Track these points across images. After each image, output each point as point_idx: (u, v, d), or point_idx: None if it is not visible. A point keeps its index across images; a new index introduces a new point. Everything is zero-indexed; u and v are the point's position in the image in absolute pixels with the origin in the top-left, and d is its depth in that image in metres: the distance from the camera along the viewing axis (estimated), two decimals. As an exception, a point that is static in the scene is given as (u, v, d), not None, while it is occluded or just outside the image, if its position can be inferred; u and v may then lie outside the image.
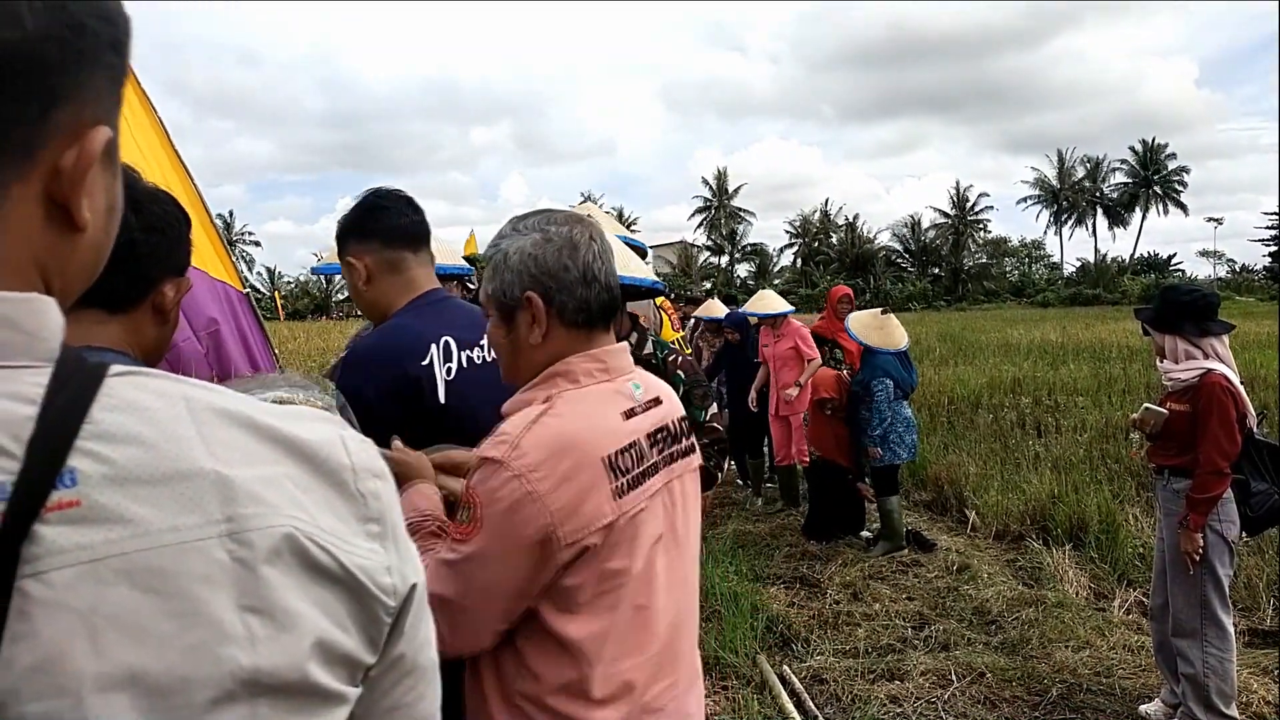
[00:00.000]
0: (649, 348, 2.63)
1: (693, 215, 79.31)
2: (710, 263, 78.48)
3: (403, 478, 1.47)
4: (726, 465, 2.63)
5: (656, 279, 3.01)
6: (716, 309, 8.77)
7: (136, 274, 1.13)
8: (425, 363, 1.78)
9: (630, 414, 1.38)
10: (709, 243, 78.55)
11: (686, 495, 1.49)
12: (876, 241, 76.04)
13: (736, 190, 79.20)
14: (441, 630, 1.20)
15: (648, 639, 1.35)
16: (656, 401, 1.46)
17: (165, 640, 0.49)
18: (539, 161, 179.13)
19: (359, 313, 1.95)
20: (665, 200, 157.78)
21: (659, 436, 1.42)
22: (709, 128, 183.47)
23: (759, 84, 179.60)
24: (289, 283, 76.15)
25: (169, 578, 0.49)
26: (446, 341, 1.82)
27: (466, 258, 4.89)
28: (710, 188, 79.14)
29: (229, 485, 0.53)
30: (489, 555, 1.23)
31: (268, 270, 78.75)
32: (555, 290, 1.35)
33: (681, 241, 78.82)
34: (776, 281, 73.23)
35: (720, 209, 78.21)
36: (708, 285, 72.52)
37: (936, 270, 72.61)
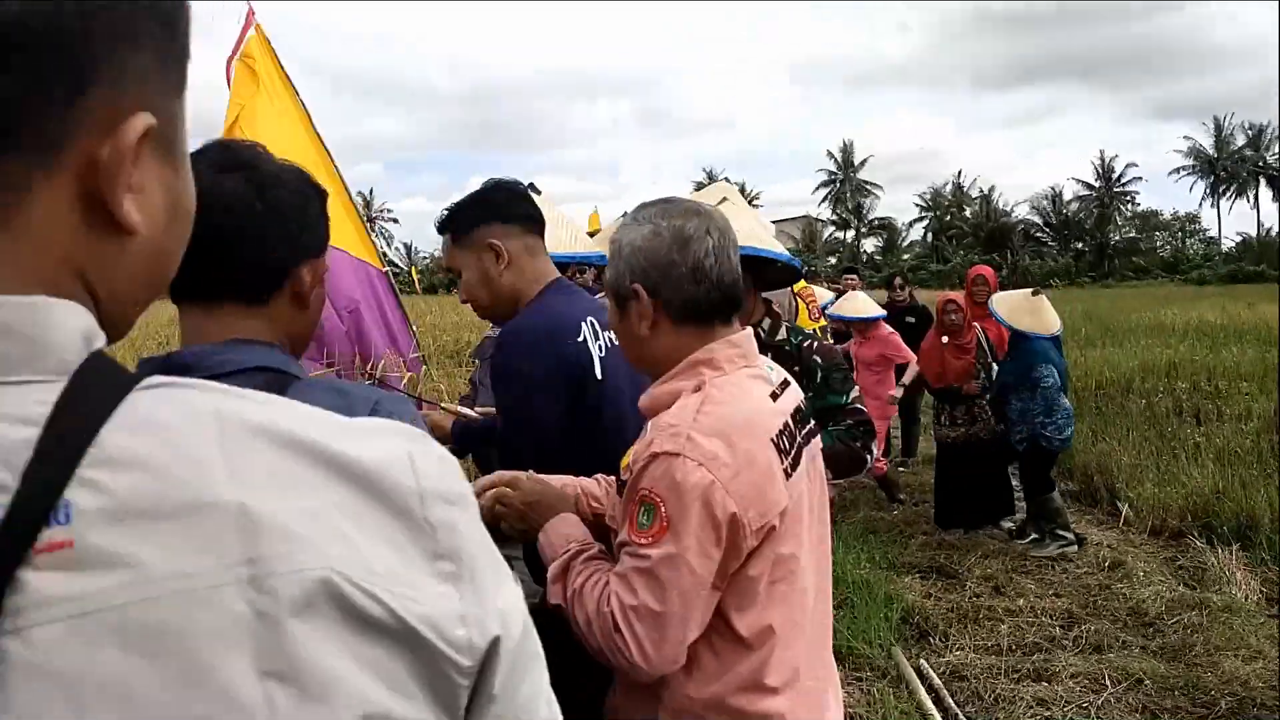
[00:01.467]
0: (782, 333, 2.52)
1: (817, 189, 77.80)
2: (835, 237, 76.87)
3: (544, 508, 1.46)
4: (876, 449, 2.49)
5: (792, 257, 2.87)
6: (862, 305, 8.26)
7: (269, 262, 1.08)
8: (580, 339, 1.77)
9: (775, 396, 1.36)
10: (834, 217, 76.90)
11: (820, 473, 1.48)
12: (1014, 215, 72.63)
13: (863, 163, 77.16)
14: (645, 649, 1.20)
15: (804, 621, 1.34)
16: (787, 383, 1.45)
17: (164, 714, 0.40)
18: (661, 136, 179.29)
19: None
20: (789, 174, 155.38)
21: (798, 416, 1.40)
22: (834, 99, 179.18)
23: (887, 53, 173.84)
24: (425, 258, 78.76)
25: (171, 636, 0.41)
26: (591, 320, 1.82)
27: (591, 234, 4.85)
28: (835, 160, 77.37)
29: (254, 519, 0.43)
30: (683, 554, 1.20)
31: (405, 246, 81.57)
32: (661, 285, 1.32)
33: (805, 216, 77.46)
34: (906, 256, 71.07)
35: (846, 182, 76.36)
36: (833, 260, 71.18)
37: (1080, 245, 68.75)
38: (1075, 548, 5.44)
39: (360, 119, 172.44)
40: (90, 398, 0.44)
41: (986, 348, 6.00)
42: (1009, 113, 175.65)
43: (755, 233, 2.55)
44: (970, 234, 69.50)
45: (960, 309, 5.92)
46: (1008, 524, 5.95)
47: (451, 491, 0.50)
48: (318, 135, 4.53)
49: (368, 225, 5.27)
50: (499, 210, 1.88)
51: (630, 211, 1.39)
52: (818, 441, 1.49)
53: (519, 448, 1.71)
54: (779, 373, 1.46)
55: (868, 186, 77.12)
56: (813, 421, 1.49)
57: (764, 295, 3.13)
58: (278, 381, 1.00)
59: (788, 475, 1.28)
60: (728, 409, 1.26)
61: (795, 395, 1.44)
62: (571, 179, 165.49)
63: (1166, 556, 5.37)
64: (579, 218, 6.38)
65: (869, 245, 76.70)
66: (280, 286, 1.10)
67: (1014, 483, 6.08)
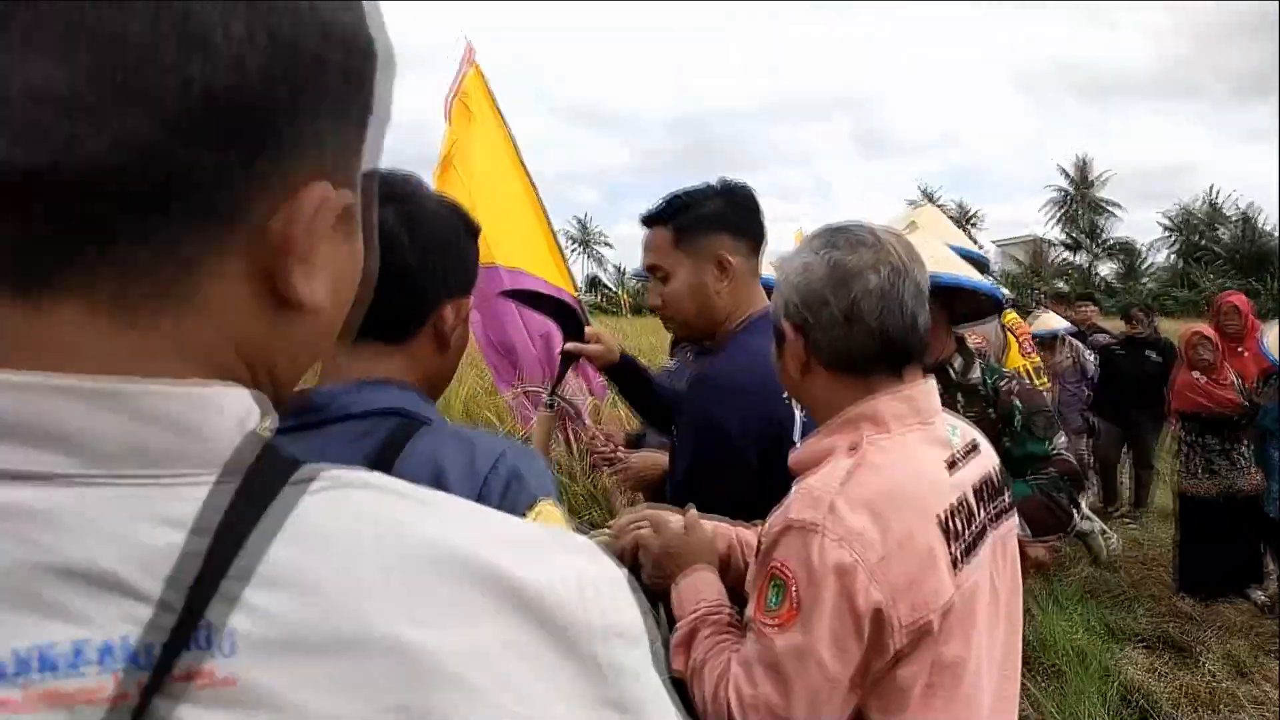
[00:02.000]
0: (976, 373, 2.28)
1: (1044, 207, 72.88)
2: (1066, 260, 71.73)
3: (682, 558, 1.32)
4: (1084, 504, 2.20)
5: (993, 284, 2.61)
6: (1053, 322, 7.65)
7: (413, 299, 1.05)
8: (787, 397, 1.57)
9: (952, 464, 1.17)
10: (1065, 238, 71.82)
11: (1012, 561, 1.26)
12: (1278, 237, 64.87)
13: (1100, 179, 71.58)
14: None
15: None
16: (975, 448, 1.25)
17: None
18: (876, 155, 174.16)
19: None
20: (1015, 192, 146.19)
21: (985, 491, 1.21)
22: (1067, 111, 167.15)
23: (1130, 60, 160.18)
24: (634, 280, 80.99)
25: None
26: None
27: None
28: (1068, 177, 72.21)
29: (413, 659, 0.38)
30: (813, 646, 1.04)
31: (616, 269, 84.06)
32: (812, 325, 1.17)
33: (1033, 238, 72.81)
34: (1145, 281, 65.16)
35: (1079, 200, 71.13)
36: (1062, 285, 66.56)
37: (1361, 270, 60.39)
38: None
39: (582, 147, 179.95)
40: (256, 502, 0.40)
41: (1240, 390, 5.30)
42: (1271, 125, 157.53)
43: (946, 259, 2.38)
44: (1225, 257, 62.67)
45: (1212, 344, 5.27)
46: (1258, 595, 5.20)
47: (624, 623, 0.45)
48: (524, 168, 4.73)
49: (569, 253, 5.44)
50: (735, 220, 1.73)
51: (810, 233, 1.27)
52: (1012, 521, 1.30)
53: (691, 494, 1.57)
54: (966, 433, 1.27)
55: (1105, 205, 71.41)
56: (1007, 495, 1.29)
57: (969, 328, 2.90)
58: (406, 427, 0.98)
59: (957, 564, 1.10)
60: (885, 477, 1.09)
61: (984, 463, 1.25)
62: (777, 199, 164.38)
63: None
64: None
65: (1105, 269, 70.96)
66: (422, 325, 1.07)
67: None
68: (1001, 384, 2.23)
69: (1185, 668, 4.39)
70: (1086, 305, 8.03)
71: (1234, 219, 66.68)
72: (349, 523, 0.41)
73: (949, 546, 1.09)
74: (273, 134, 0.41)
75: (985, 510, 1.19)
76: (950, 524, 1.10)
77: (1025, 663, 4.54)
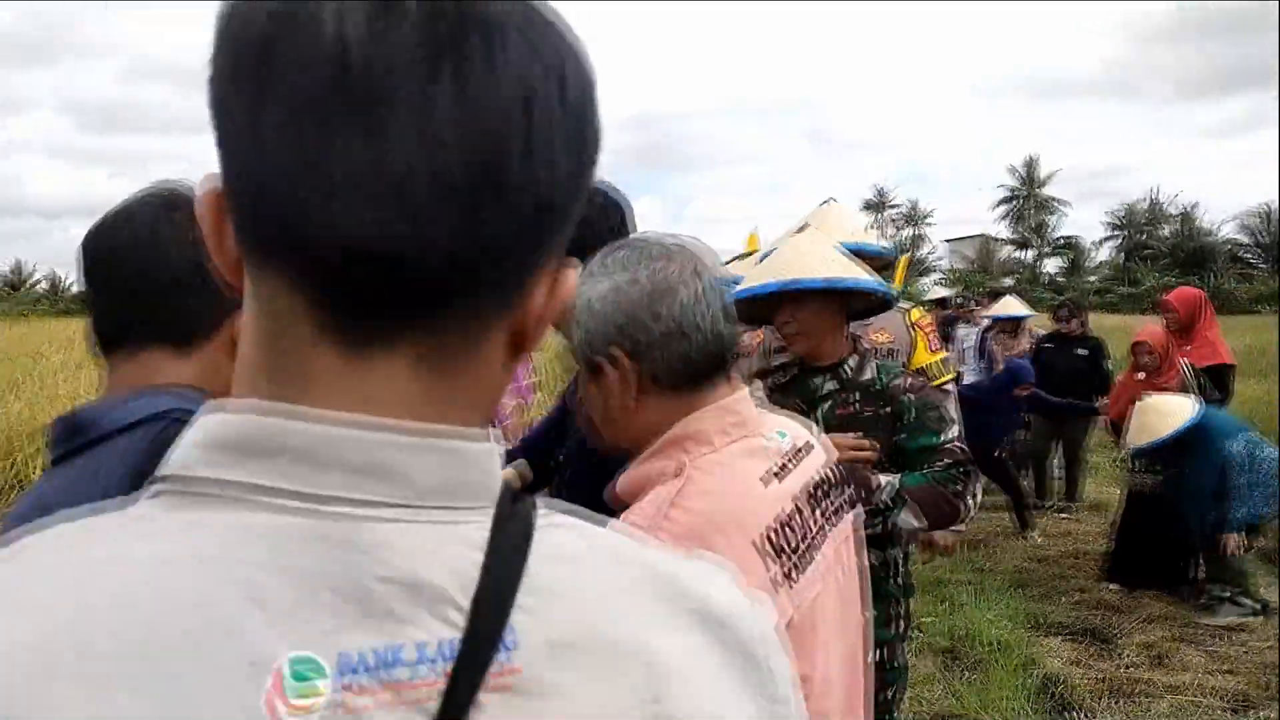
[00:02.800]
0: (869, 372, 2.30)
1: (996, 205, 74.12)
2: (1014, 258, 73.01)
3: None
4: (978, 492, 2.20)
5: (879, 283, 2.63)
6: (1014, 306, 8.08)
7: (202, 300, 0.98)
8: None
9: (782, 471, 1.14)
10: (1013, 236, 73.09)
11: (855, 560, 1.25)
12: (1219, 234, 66.60)
13: (1048, 178, 72.96)
14: None
15: None
16: (809, 448, 1.22)
17: None
18: (830, 155, 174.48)
19: None
20: (966, 191, 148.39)
21: (817, 492, 1.18)
22: (1017, 112, 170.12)
23: (1078, 62, 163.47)
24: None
25: None
26: None
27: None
28: (1018, 176, 73.50)
29: (655, 657, 0.48)
30: None
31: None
32: (645, 345, 1.11)
33: (982, 235, 73.99)
34: (1092, 278, 66.55)
35: (1028, 199, 72.43)
36: (1008, 281, 67.66)
37: (1295, 267, 62.26)
38: (1257, 617, 4.82)
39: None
40: (514, 528, 0.48)
41: (1191, 381, 5.37)
42: (1215, 123, 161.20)
43: (833, 259, 2.37)
44: (1167, 255, 64.31)
45: (1153, 350, 5.37)
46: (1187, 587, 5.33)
47: (778, 638, 0.57)
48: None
49: None
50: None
51: (595, 259, 1.17)
52: (854, 512, 1.28)
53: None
54: (798, 435, 1.23)
55: (1053, 203, 72.82)
56: (847, 490, 1.27)
57: (872, 327, 2.93)
58: (173, 430, 0.96)
59: (791, 579, 1.07)
60: (708, 501, 1.05)
61: (817, 461, 1.22)
62: (732, 198, 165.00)
63: (1372, 633, 4.67)
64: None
65: (1051, 266, 72.37)
66: (217, 328, 1.02)
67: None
68: (894, 381, 2.25)
69: (1105, 657, 4.50)
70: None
71: (1175, 217, 68.43)
72: (583, 541, 0.52)
73: (779, 564, 1.06)
74: (560, 226, 0.49)
75: (820, 512, 1.17)
76: (775, 540, 1.07)
77: (951, 655, 4.63)
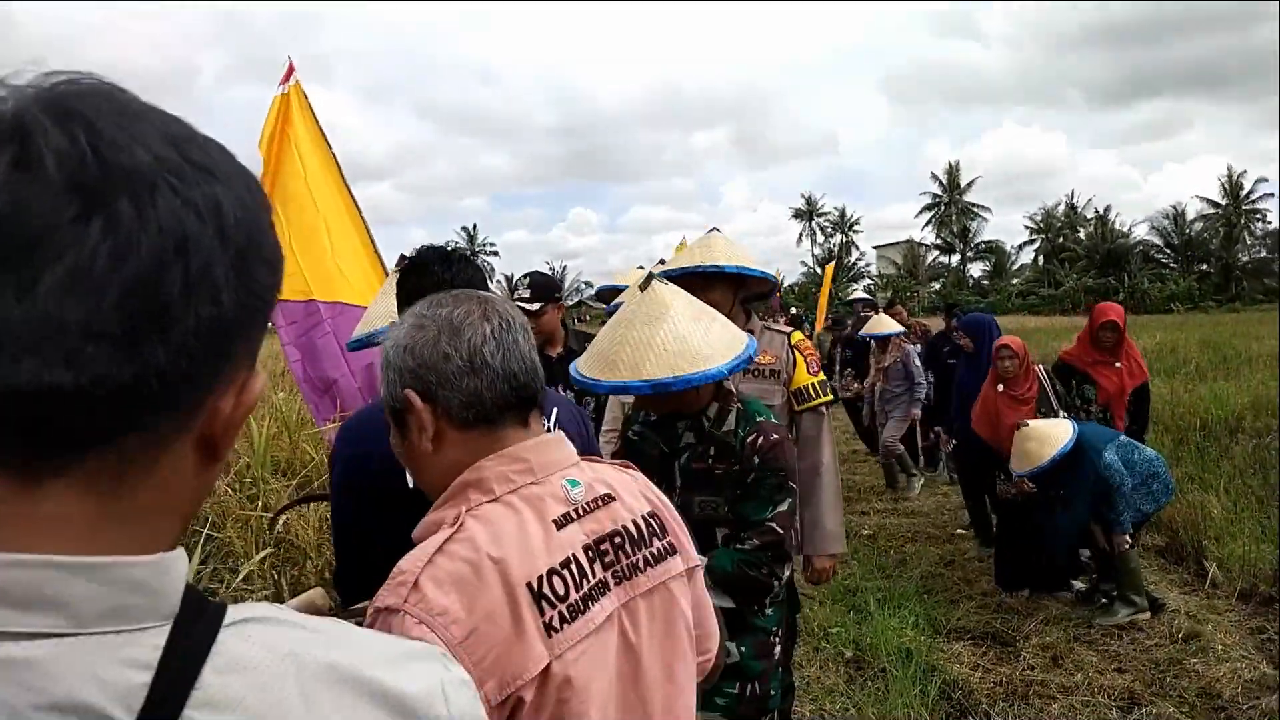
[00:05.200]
0: (731, 422, 2.28)
1: (921, 212, 75.79)
2: (940, 262, 74.72)
3: None
4: (784, 574, 2.22)
5: (766, 273, 2.99)
6: (885, 324, 8.44)
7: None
8: None
9: (565, 521, 1.13)
10: (938, 241, 74.80)
11: (666, 616, 1.22)
12: (1132, 236, 69.00)
13: (970, 184, 74.84)
14: None
15: None
16: (607, 500, 1.20)
17: None
18: (760, 163, 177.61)
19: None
20: (891, 197, 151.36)
21: (606, 545, 1.16)
22: (938, 119, 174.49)
23: (994, 69, 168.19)
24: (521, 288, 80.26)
25: None
26: None
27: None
28: (940, 182, 75.26)
29: None
30: None
31: (506, 278, 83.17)
32: (436, 385, 1.14)
33: (908, 241, 75.58)
34: (1015, 280, 68.47)
35: (951, 205, 74.23)
36: (936, 286, 69.23)
37: (1204, 267, 64.85)
38: (1147, 615, 5.00)
39: (466, 156, 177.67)
40: (191, 640, 0.51)
41: (1051, 394, 5.55)
42: (1126, 128, 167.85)
43: (729, 253, 2.91)
44: (1084, 256, 66.47)
45: (1014, 354, 5.47)
46: (1078, 585, 5.52)
47: (475, 716, 0.63)
48: (348, 190, 4.62)
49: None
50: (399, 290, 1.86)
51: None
52: (670, 565, 1.24)
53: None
54: (598, 485, 1.21)
55: (974, 209, 74.69)
56: (657, 543, 1.24)
57: (761, 350, 2.97)
58: None
59: (553, 629, 1.05)
60: (475, 547, 1.04)
61: (615, 515, 1.20)
62: (667, 208, 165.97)
63: (1253, 627, 4.87)
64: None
65: (976, 270, 74.25)
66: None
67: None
68: (749, 438, 2.23)
69: (1006, 661, 4.61)
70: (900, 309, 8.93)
71: (1091, 220, 70.74)
72: (264, 653, 0.53)
73: (542, 613, 1.05)
74: (238, 345, 0.54)
75: (603, 564, 1.15)
76: (546, 587, 1.06)
77: (856, 665, 4.68)
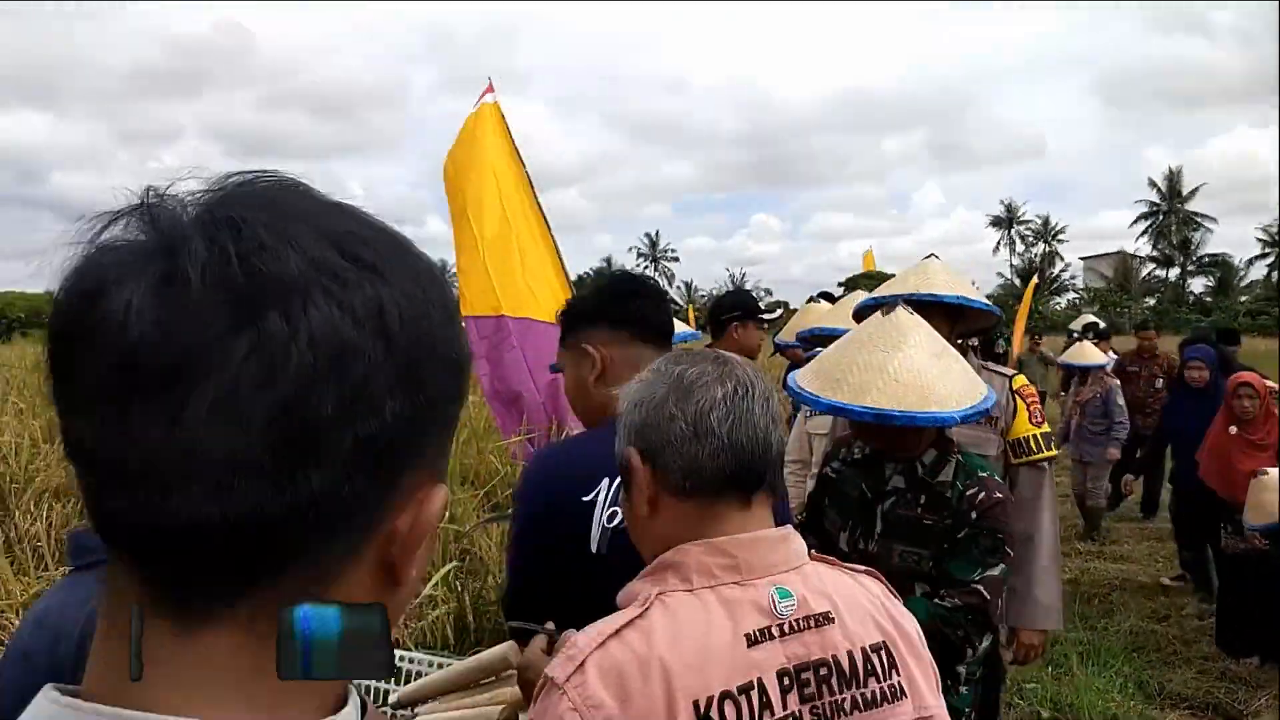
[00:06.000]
0: (948, 472, 2.09)
1: (1135, 221, 70.23)
2: (1155, 276, 69.00)
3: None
4: (981, 645, 2.00)
5: (989, 305, 2.78)
6: (1089, 354, 7.52)
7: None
8: (589, 498, 1.53)
9: (760, 637, 1.00)
10: (1155, 253, 69.08)
11: None
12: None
13: (1193, 192, 68.69)
14: None
15: None
16: (822, 620, 1.04)
17: None
18: (956, 168, 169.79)
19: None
20: (1102, 205, 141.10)
21: (808, 675, 1.01)
22: (1158, 122, 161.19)
23: (1223, 67, 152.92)
24: (703, 296, 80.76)
25: None
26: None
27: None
28: (1158, 190, 69.52)
29: None
30: None
31: (685, 285, 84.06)
32: (659, 446, 1.06)
33: (1120, 252, 70.26)
34: (1244, 298, 62.13)
35: (1171, 214, 68.37)
36: (1150, 301, 64.01)
37: None
38: None
39: (652, 164, 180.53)
40: None
41: None
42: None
43: (950, 283, 2.71)
44: (1329, 273, 59.44)
45: (1256, 393, 4.91)
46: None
47: None
48: (539, 208, 4.74)
49: (651, 266, 5.44)
50: (604, 311, 1.76)
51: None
52: (894, 710, 1.06)
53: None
54: (818, 600, 1.05)
55: (1197, 218, 68.54)
56: (876, 684, 1.06)
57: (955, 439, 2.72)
58: None
59: None
60: (646, 642, 0.96)
61: (828, 641, 1.04)
62: (851, 215, 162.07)
63: None
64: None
65: (1197, 285, 68.02)
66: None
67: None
68: (969, 493, 2.05)
69: (1230, 737, 4.12)
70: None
71: (1338, 232, 63.17)
72: None
73: None
74: (409, 459, 0.48)
75: (803, 700, 1.00)
76: (713, 710, 0.95)
77: (1055, 729, 4.30)
